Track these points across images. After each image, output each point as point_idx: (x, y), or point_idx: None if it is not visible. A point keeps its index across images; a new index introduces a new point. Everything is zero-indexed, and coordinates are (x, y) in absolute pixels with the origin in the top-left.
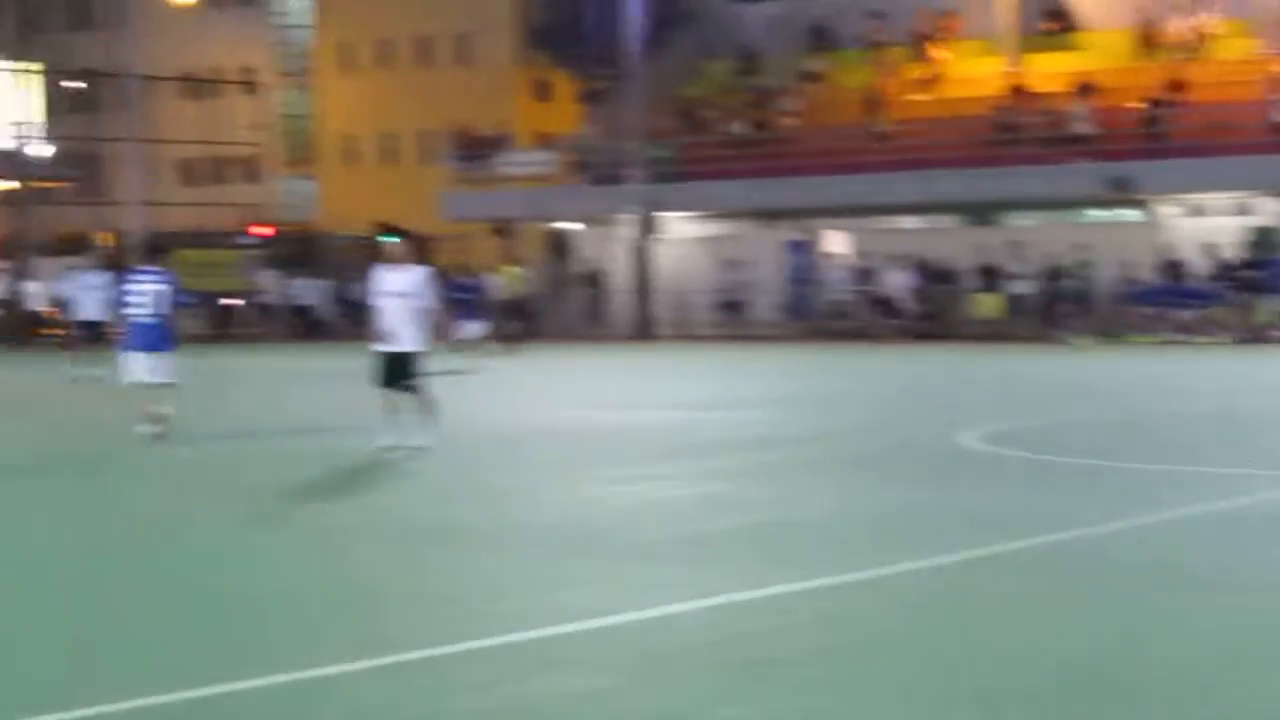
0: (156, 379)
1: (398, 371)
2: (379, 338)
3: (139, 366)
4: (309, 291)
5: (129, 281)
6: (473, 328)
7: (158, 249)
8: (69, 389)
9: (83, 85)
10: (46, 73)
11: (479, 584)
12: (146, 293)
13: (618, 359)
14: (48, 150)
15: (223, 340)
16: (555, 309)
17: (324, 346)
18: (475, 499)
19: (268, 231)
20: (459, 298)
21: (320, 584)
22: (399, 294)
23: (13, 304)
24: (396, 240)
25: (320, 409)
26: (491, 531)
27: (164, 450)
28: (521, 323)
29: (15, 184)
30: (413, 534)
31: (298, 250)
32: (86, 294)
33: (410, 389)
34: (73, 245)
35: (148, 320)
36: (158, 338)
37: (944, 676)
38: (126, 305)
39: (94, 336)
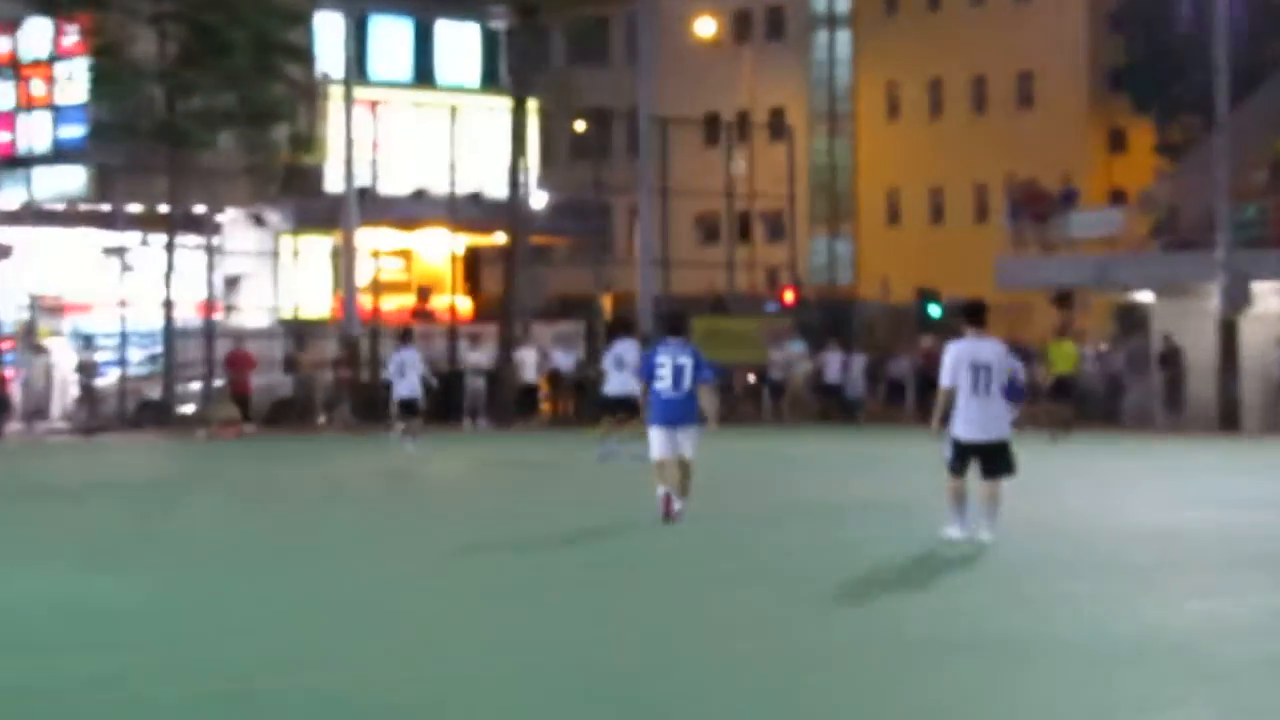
0: (679, 454)
1: (987, 457)
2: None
3: (661, 441)
4: (840, 367)
5: (655, 353)
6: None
7: (679, 321)
8: (595, 467)
9: (585, 127)
10: (546, 112)
11: (1062, 703)
12: (672, 365)
13: (1192, 451)
14: (543, 200)
15: (740, 419)
16: (1125, 392)
17: (856, 429)
18: (1032, 604)
19: (790, 298)
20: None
21: (899, 704)
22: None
23: (499, 375)
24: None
25: (851, 498)
26: (1058, 642)
27: (677, 530)
28: (1070, 405)
29: (505, 238)
30: (979, 645)
31: (828, 319)
32: (617, 366)
33: (1000, 475)
34: (572, 308)
35: (672, 394)
36: (682, 412)
37: None
38: (652, 378)
39: (626, 414)
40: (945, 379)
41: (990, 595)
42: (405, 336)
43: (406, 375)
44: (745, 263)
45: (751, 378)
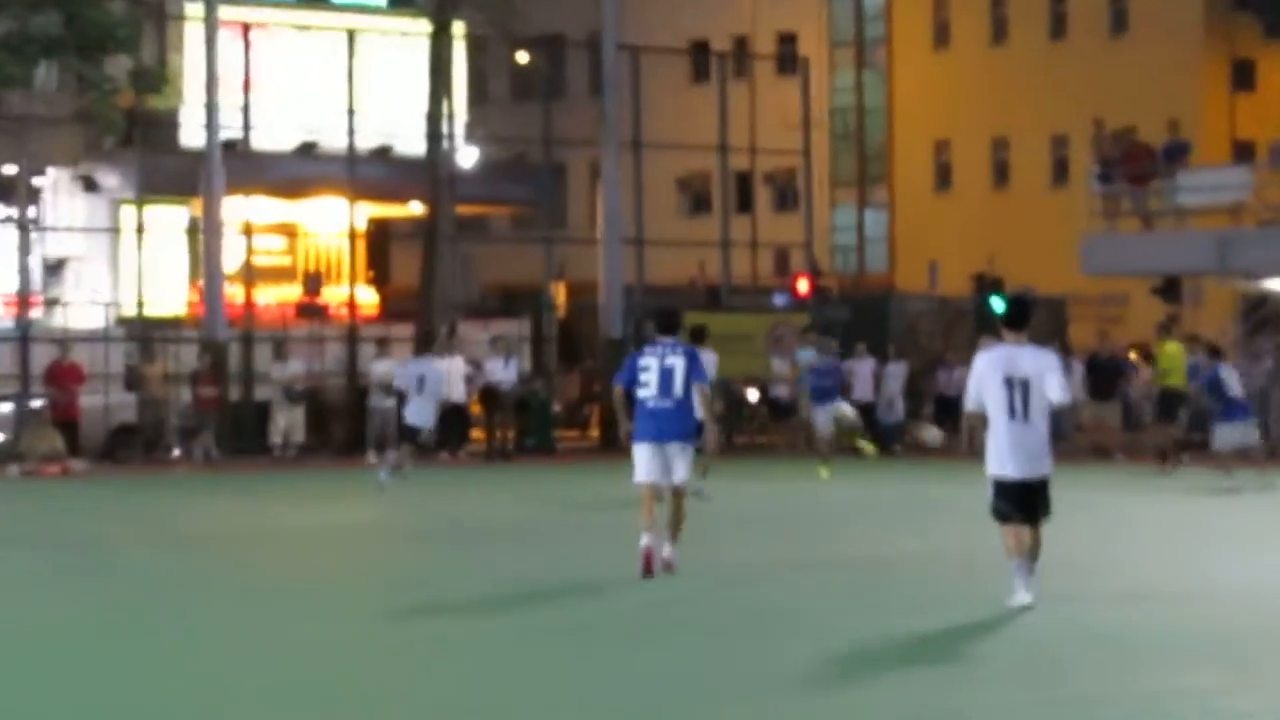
0: (667, 479)
1: (1030, 499)
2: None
3: (647, 462)
4: (872, 380)
5: (639, 355)
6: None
7: (672, 318)
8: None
9: (530, 59)
10: (478, 38)
11: None
12: (659, 367)
13: None
14: (473, 156)
15: (738, 449)
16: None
17: (892, 461)
18: (1106, 701)
19: (805, 288)
20: None
21: None
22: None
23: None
24: (1018, 306)
25: (889, 552)
26: None
27: (682, 584)
28: (1177, 426)
29: (423, 209)
30: None
31: (856, 317)
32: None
33: (1041, 519)
34: (514, 302)
35: (659, 403)
36: (672, 425)
37: None
38: (634, 384)
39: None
40: (969, 400)
41: (1040, 688)
42: (431, 342)
43: (424, 393)
44: (746, 241)
45: (754, 394)
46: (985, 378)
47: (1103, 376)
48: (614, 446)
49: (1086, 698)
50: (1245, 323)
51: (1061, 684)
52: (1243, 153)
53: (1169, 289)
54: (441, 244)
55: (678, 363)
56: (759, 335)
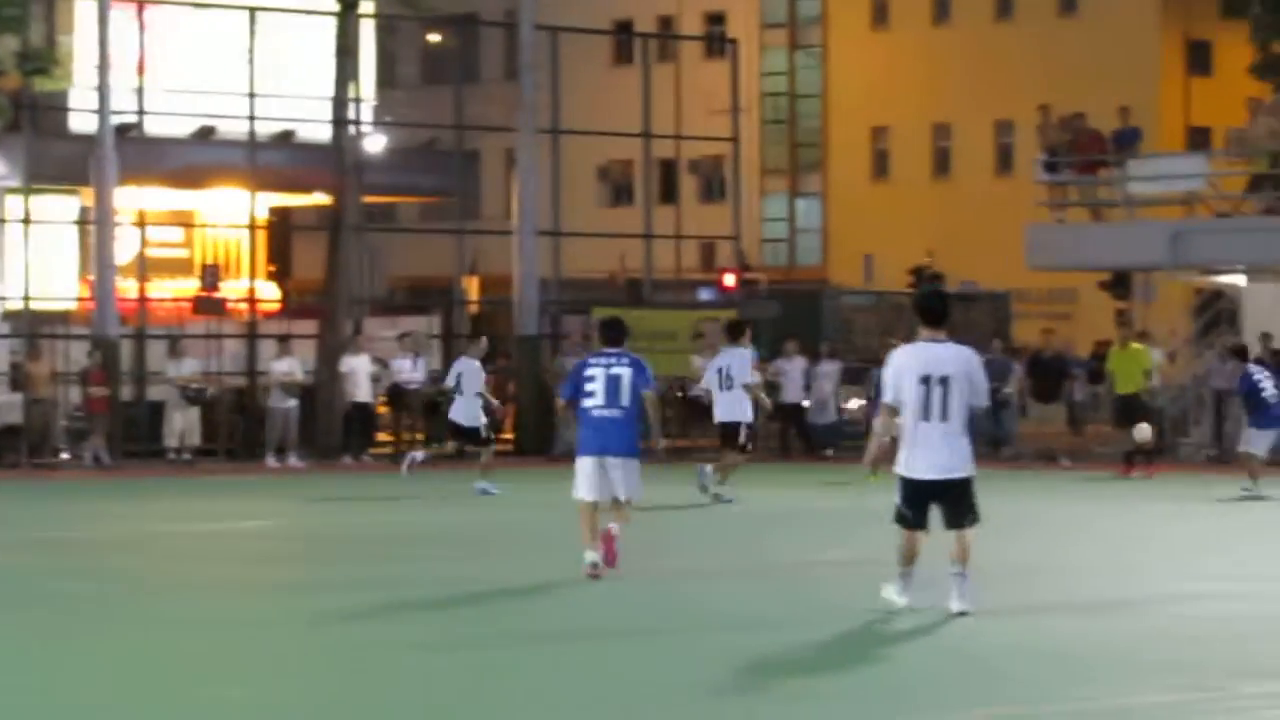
0: (610, 494)
1: (944, 501)
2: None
3: (590, 476)
4: (803, 380)
5: (584, 365)
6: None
7: (617, 328)
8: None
9: (442, 39)
10: (386, 18)
11: None
12: (605, 375)
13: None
14: (381, 143)
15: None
16: (1206, 413)
17: (822, 469)
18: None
19: (732, 282)
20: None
21: None
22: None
23: (318, 393)
24: (937, 300)
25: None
26: None
27: (606, 589)
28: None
29: (328, 198)
30: None
31: (787, 313)
32: (724, 384)
33: (968, 524)
34: (424, 297)
35: (605, 413)
36: (618, 437)
37: None
38: (578, 394)
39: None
40: (886, 392)
41: (981, 703)
42: (474, 336)
43: (465, 392)
44: (670, 233)
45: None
46: (903, 374)
47: (1046, 377)
48: (530, 451)
49: (1029, 716)
50: (1198, 319)
51: (1003, 699)
52: (1198, 140)
53: (1118, 284)
54: (347, 235)
55: (624, 372)
56: (682, 333)
